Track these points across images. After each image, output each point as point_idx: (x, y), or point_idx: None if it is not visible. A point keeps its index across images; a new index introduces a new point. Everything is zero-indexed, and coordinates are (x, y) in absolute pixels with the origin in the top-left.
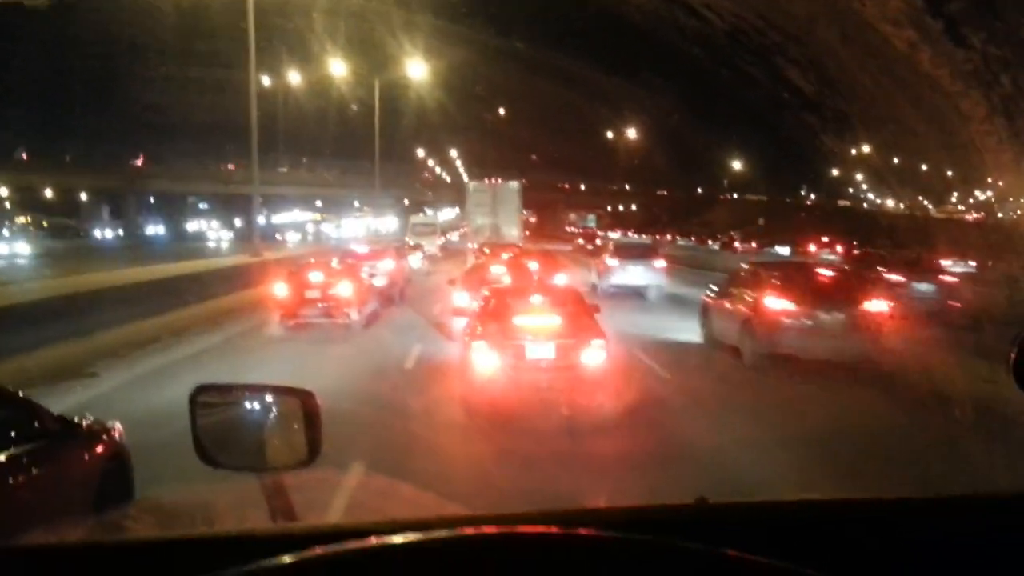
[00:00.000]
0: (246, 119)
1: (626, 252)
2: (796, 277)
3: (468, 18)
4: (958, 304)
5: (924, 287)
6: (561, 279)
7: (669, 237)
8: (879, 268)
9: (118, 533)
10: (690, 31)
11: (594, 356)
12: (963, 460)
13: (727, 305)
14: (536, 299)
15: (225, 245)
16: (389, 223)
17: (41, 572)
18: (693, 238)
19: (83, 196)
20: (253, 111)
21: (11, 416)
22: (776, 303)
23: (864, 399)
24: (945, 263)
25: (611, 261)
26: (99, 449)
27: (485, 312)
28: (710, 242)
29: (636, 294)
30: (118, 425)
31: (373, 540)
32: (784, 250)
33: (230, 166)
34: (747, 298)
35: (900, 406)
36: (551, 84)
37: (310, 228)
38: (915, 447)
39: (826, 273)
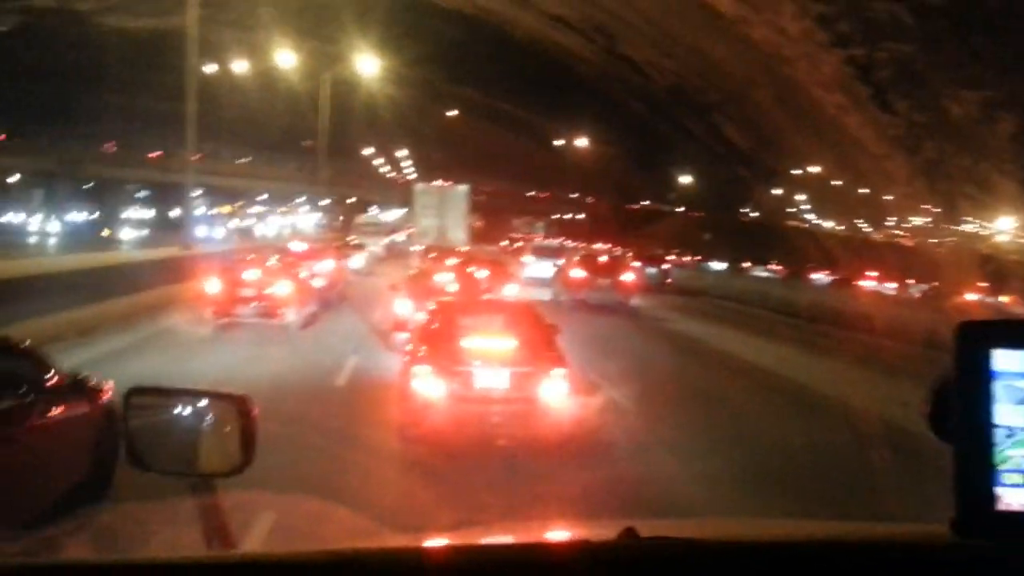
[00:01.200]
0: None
1: (540, 252)
2: (590, 260)
3: (423, 23)
4: (670, 281)
5: (652, 270)
6: (512, 290)
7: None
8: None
9: (53, 551)
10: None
11: (554, 389)
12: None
13: (559, 275)
14: (488, 317)
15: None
16: (309, 220)
17: None
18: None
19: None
20: (192, 96)
21: (27, 368)
22: (576, 273)
23: (614, 318)
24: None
25: (527, 258)
26: (99, 401)
27: (429, 329)
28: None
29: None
30: (111, 383)
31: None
32: (720, 265)
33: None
34: (566, 271)
35: (628, 320)
36: (503, 100)
37: (232, 223)
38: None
39: (604, 259)
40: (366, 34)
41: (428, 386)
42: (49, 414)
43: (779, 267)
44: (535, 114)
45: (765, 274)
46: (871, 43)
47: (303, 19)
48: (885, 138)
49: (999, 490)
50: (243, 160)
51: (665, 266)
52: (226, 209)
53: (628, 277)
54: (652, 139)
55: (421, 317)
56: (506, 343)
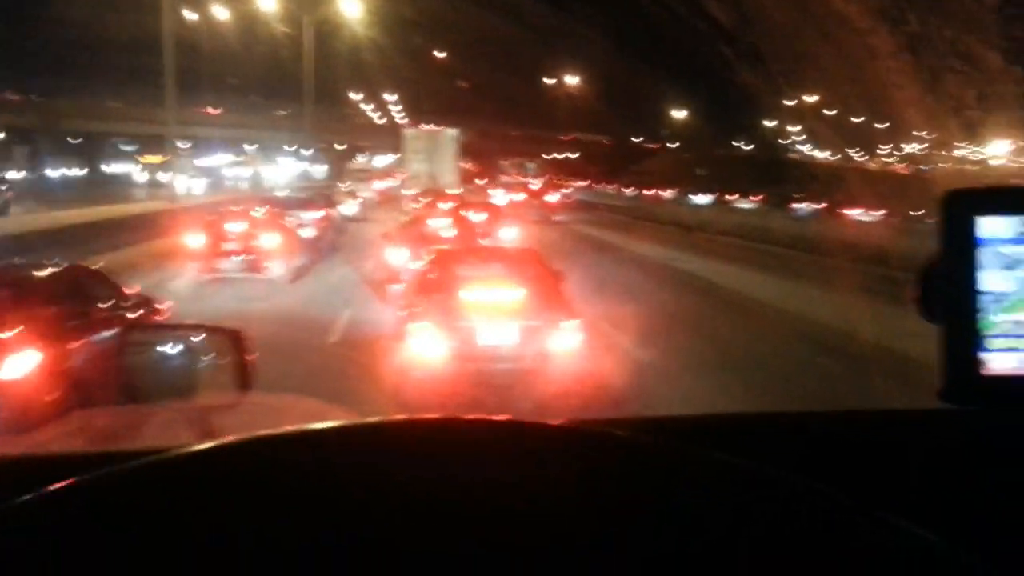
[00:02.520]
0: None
1: (505, 187)
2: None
3: None
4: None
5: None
6: (509, 233)
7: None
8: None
9: (48, 447)
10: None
11: (566, 342)
12: None
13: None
14: (489, 265)
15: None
16: (277, 171)
17: None
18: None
19: None
20: (169, 46)
21: (106, 287)
22: (516, 197)
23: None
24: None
25: (493, 191)
26: (161, 315)
27: (426, 281)
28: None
29: None
30: (169, 302)
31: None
32: (705, 199)
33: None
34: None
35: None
36: (491, 25)
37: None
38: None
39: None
40: None
41: (426, 344)
42: (130, 318)
43: (758, 198)
44: (525, 52)
45: (748, 206)
46: None
47: None
48: (868, 11)
49: (986, 356)
50: (225, 109)
51: (567, 190)
52: (155, 159)
53: (552, 198)
54: (644, 73)
55: (416, 267)
56: (510, 293)
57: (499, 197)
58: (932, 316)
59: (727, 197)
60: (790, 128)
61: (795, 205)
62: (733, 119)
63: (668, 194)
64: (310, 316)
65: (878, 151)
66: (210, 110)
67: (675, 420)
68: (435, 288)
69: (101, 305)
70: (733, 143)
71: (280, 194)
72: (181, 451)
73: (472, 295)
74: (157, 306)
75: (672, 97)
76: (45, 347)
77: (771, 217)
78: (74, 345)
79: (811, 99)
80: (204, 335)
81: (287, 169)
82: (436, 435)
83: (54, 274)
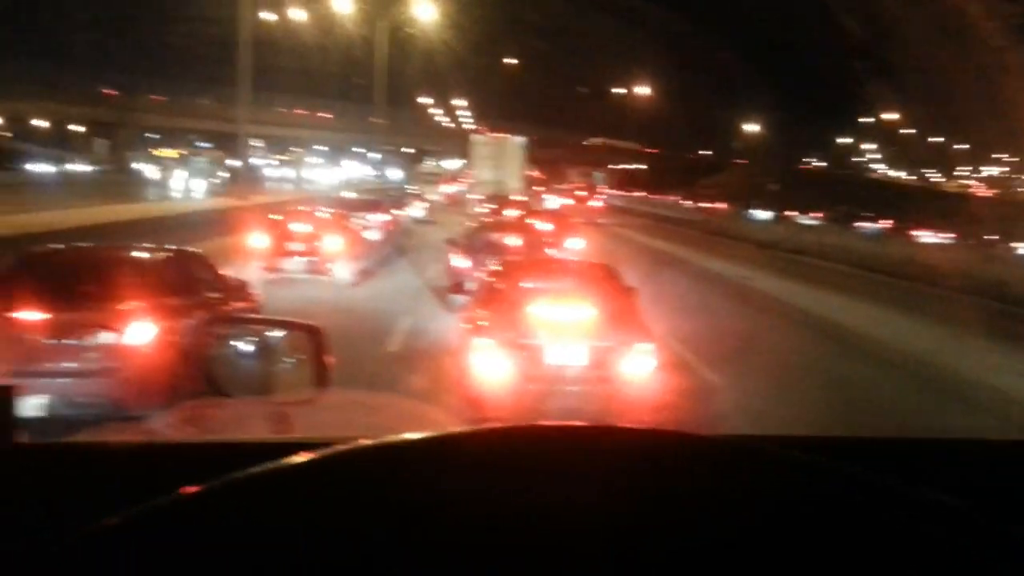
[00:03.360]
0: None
1: (555, 192)
2: (573, 195)
3: None
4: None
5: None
6: (577, 244)
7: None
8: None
9: (149, 436)
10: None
11: (639, 366)
12: None
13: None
14: (559, 279)
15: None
16: (328, 173)
17: (74, 469)
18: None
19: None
20: (244, 43)
21: (211, 271)
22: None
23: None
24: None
25: (546, 196)
26: (255, 296)
27: (491, 293)
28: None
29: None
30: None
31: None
32: (766, 214)
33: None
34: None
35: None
36: (563, 33)
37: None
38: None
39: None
40: None
41: (491, 362)
42: (232, 301)
43: (819, 215)
44: (596, 61)
45: (809, 222)
46: None
47: None
48: (1004, 28)
49: None
50: (298, 110)
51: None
52: (172, 153)
53: (595, 204)
54: (717, 85)
55: (482, 277)
56: (582, 311)
57: (552, 201)
58: None
59: (788, 213)
60: (865, 146)
61: (861, 224)
62: (807, 135)
63: (724, 207)
64: (370, 322)
65: (955, 172)
66: (283, 110)
67: (784, 439)
68: (501, 301)
69: (205, 287)
70: (805, 159)
71: (346, 195)
72: (340, 448)
73: (541, 311)
74: (251, 291)
75: (745, 110)
76: (160, 321)
77: (844, 236)
78: (184, 322)
79: (889, 117)
80: (284, 330)
81: (342, 171)
82: (586, 443)
83: (167, 256)
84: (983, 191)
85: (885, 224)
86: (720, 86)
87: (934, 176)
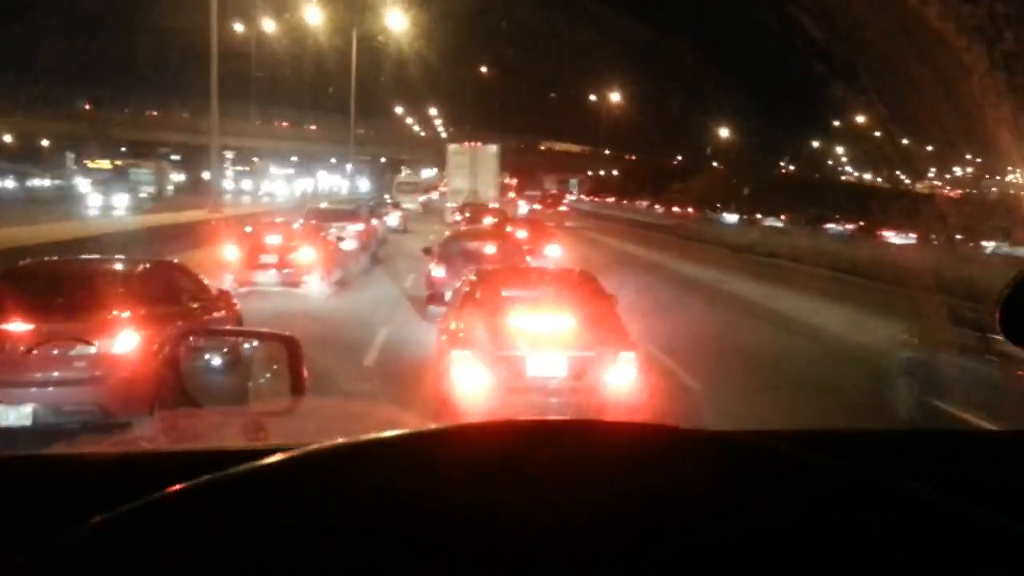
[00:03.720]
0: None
1: (526, 198)
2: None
3: None
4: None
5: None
6: (554, 251)
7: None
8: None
9: (126, 447)
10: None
11: (622, 375)
12: None
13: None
14: (538, 287)
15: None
16: (299, 184)
17: (51, 480)
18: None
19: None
20: (214, 54)
21: (195, 282)
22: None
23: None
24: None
25: (519, 202)
26: (234, 306)
27: (469, 303)
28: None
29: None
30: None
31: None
32: (732, 217)
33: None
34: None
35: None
36: (536, 41)
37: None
38: None
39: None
40: None
41: (470, 374)
42: (213, 311)
43: (783, 217)
44: (570, 68)
45: (776, 224)
46: None
47: None
48: (965, 29)
49: None
50: (283, 122)
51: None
52: (104, 164)
53: (563, 208)
54: (688, 91)
55: (459, 287)
56: (561, 320)
57: (523, 207)
58: (1014, 338)
59: (757, 216)
60: (837, 149)
61: (830, 225)
62: (779, 139)
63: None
64: (345, 333)
65: (926, 174)
66: (257, 122)
67: (780, 434)
68: (479, 311)
69: (187, 297)
70: (779, 164)
71: (319, 207)
72: (313, 449)
73: (519, 320)
74: (232, 301)
75: (718, 116)
76: (144, 330)
77: (816, 238)
78: (166, 331)
79: (858, 120)
80: (259, 340)
81: (310, 182)
82: (568, 438)
83: (149, 267)
84: (950, 192)
85: (851, 226)
86: (692, 93)
87: (904, 178)
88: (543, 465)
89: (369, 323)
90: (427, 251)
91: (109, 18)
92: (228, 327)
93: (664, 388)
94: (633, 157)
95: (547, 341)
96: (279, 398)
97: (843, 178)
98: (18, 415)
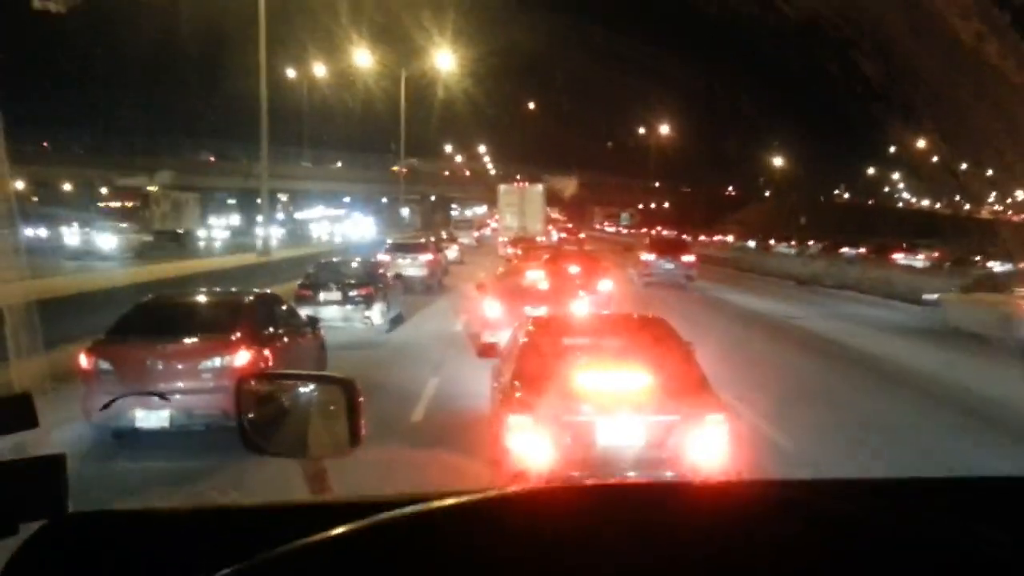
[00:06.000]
0: (262, 110)
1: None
2: (660, 242)
3: (499, 3)
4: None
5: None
6: (606, 285)
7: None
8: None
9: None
10: (757, 20)
11: (711, 442)
12: None
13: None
14: (607, 338)
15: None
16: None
17: (125, 536)
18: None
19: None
20: (263, 99)
21: (287, 310)
22: (646, 256)
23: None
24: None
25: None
26: (319, 332)
27: (528, 357)
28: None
29: None
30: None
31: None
32: (783, 247)
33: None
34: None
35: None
36: (583, 74)
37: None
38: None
39: (672, 240)
40: (440, 27)
41: (529, 444)
42: (300, 335)
43: (794, 243)
44: (618, 101)
45: (787, 250)
46: None
47: (377, 18)
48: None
49: None
50: (333, 164)
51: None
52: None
53: (583, 236)
54: (741, 123)
55: (514, 334)
56: (635, 377)
57: (554, 235)
58: None
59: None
60: (894, 176)
61: (843, 249)
62: (835, 167)
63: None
64: (397, 383)
65: (987, 200)
66: (307, 164)
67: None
68: (538, 366)
69: (285, 321)
70: (835, 191)
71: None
72: (431, 506)
73: (586, 377)
74: (319, 328)
75: (770, 146)
76: (253, 347)
77: (885, 268)
78: (269, 349)
79: (915, 145)
80: (316, 384)
81: (346, 225)
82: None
83: (257, 296)
84: (1013, 216)
85: (930, 255)
86: (744, 124)
87: (964, 203)
88: (616, 532)
89: (422, 367)
90: (480, 286)
91: (164, 66)
92: (286, 371)
93: (758, 454)
94: (688, 189)
95: (620, 403)
96: (339, 443)
97: (899, 204)
98: (158, 418)
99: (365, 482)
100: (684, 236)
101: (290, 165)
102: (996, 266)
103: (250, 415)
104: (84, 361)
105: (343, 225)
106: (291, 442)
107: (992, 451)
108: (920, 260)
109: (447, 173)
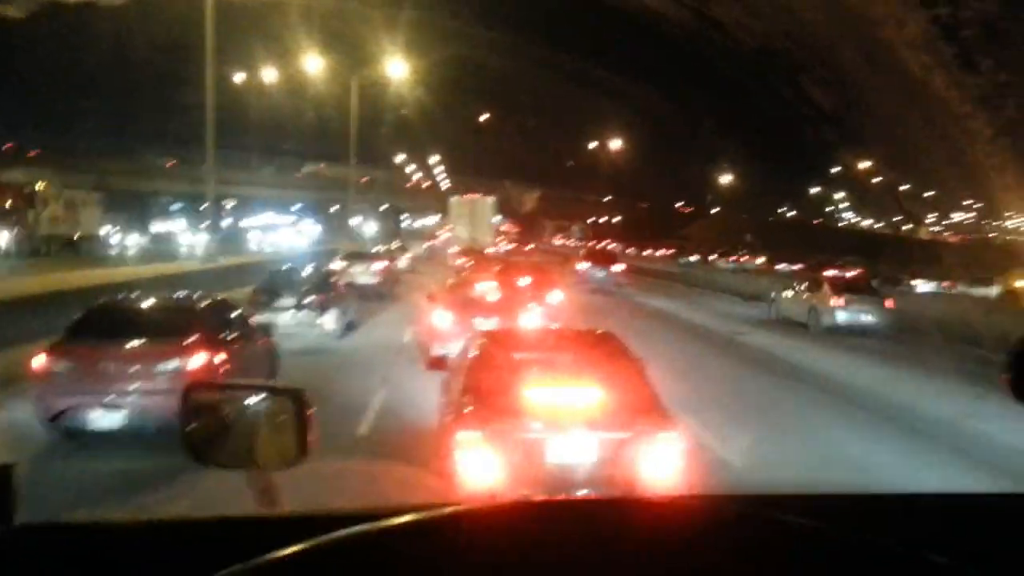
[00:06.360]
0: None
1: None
2: (593, 254)
3: (452, 16)
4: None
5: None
6: (557, 296)
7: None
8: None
9: (149, 513)
10: (711, 44)
11: (663, 459)
12: None
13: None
14: (556, 353)
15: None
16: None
17: (75, 548)
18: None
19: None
20: (210, 102)
21: (238, 316)
22: (581, 265)
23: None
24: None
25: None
26: (270, 336)
27: (475, 371)
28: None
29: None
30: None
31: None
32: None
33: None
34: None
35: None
36: (537, 89)
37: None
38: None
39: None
40: (393, 37)
41: (478, 461)
42: (252, 340)
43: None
44: (569, 115)
45: (729, 266)
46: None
47: (329, 25)
48: (969, 98)
49: None
50: (272, 169)
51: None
52: None
53: (529, 248)
54: (689, 139)
55: (464, 348)
56: (587, 394)
57: (502, 246)
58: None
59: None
60: (837, 195)
61: (778, 266)
62: (779, 185)
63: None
64: (343, 393)
65: (926, 220)
66: (258, 171)
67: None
68: (488, 380)
69: (237, 326)
70: (779, 209)
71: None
72: (386, 524)
73: (538, 394)
74: (268, 335)
75: (720, 163)
76: (207, 351)
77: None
78: (223, 353)
79: (859, 166)
80: (265, 394)
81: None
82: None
83: (210, 302)
84: (952, 237)
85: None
86: (692, 140)
87: (903, 224)
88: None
89: (369, 378)
90: (431, 297)
91: (108, 71)
92: (234, 381)
93: (709, 471)
94: (643, 205)
95: (571, 419)
96: (287, 453)
97: (840, 224)
98: (111, 420)
99: (315, 496)
100: (614, 248)
101: (235, 170)
102: (920, 284)
103: (195, 425)
104: (40, 362)
105: (277, 235)
106: (238, 453)
107: (770, 381)
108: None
109: (408, 185)
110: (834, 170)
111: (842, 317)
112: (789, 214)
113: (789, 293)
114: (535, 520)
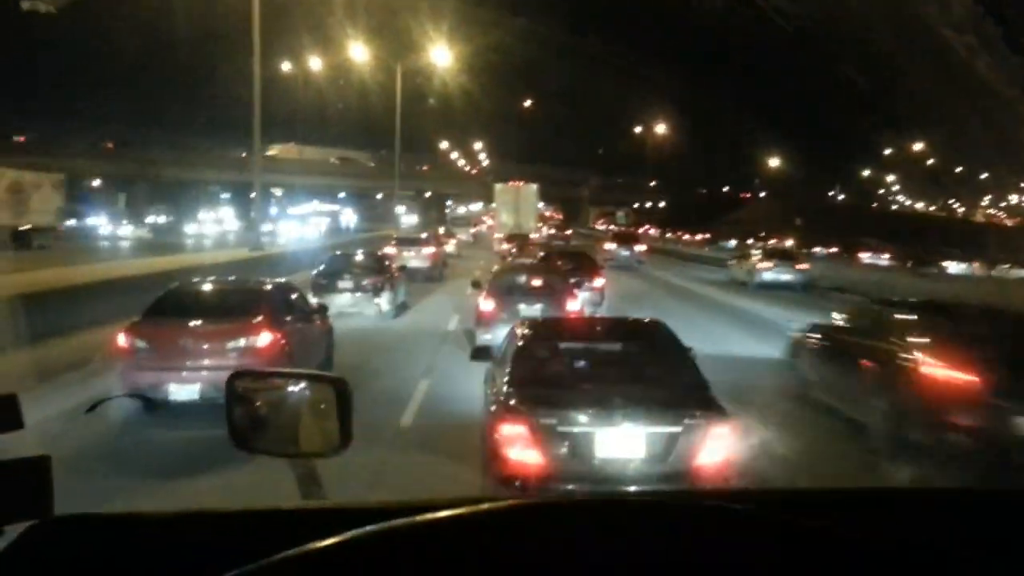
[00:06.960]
0: (259, 103)
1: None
2: (620, 236)
3: (497, 3)
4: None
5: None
6: (599, 282)
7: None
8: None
9: (186, 503)
10: (748, 28)
11: (715, 453)
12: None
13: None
14: (604, 343)
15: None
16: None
17: (111, 538)
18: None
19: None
20: (257, 92)
21: (300, 298)
22: (609, 245)
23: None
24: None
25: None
26: (328, 321)
27: (522, 362)
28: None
29: None
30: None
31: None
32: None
33: (243, 154)
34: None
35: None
36: (582, 74)
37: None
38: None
39: (629, 233)
40: (437, 24)
41: (525, 455)
42: (311, 320)
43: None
44: (614, 100)
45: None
46: None
47: (372, 11)
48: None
49: None
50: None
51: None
52: None
53: (568, 232)
54: (736, 122)
55: (509, 337)
56: (635, 385)
57: (544, 231)
58: None
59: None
60: (888, 178)
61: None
62: (828, 169)
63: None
64: (385, 383)
65: (980, 203)
66: (303, 158)
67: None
68: (533, 374)
69: (299, 307)
70: (830, 193)
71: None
72: (426, 518)
73: (584, 387)
74: (325, 315)
75: (767, 146)
76: (271, 331)
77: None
78: (286, 332)
79: (911, 148)
80: (307, 382)
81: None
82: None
83: (275, 284)
84: (1010, 220)
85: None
86: (741, 126)
87: (957, 206)
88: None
89: (414, 365)
90: (476, 284)
91: (157, 63)
92: (278, 369)
93: (767, 464)
94: (692, 191)
95: (619, 412)
96: (329, 442)
97: (893, 208)
98: (188, 392)
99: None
100: (642, 231)
101: (284, 160)
102: (951, 266)
103: (239, 412)
104: (122, 340)
105: (288, 226)
106: (280, 440)
107: (699, 310)
108: (885, 259)
109: (453, 171)
110: (886, 152)
111: (768, 276)
112: (839, 198)
113: (734, 262)
114: (578, 519)
